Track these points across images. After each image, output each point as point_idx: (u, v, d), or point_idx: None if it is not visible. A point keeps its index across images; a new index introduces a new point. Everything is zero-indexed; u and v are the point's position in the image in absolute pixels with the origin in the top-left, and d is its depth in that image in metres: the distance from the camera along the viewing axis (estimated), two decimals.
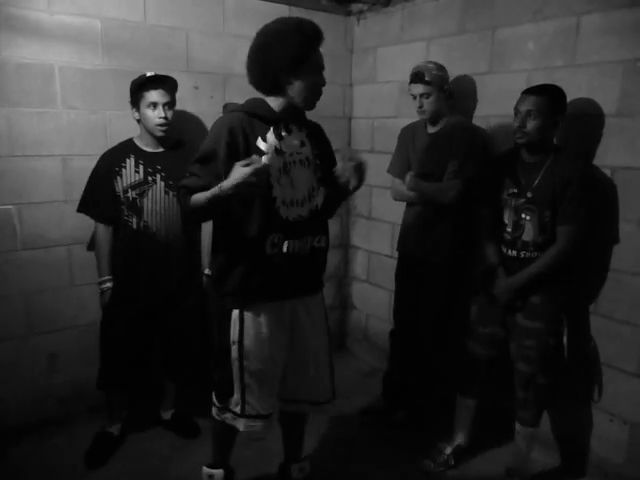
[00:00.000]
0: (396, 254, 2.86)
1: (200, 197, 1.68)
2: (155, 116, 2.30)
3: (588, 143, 2.26)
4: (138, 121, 2.37)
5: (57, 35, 2.43)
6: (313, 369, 1.99)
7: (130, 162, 2.36)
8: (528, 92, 2.09)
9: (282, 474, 2.25)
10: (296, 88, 1.75)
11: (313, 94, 1.79)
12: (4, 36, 2.32)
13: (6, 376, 2.54)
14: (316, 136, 1.93)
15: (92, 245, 2.57)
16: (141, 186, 2.36)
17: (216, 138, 1.73)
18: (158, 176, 2.38)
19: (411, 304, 2.70)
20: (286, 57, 1.70)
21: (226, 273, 1.83)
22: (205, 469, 2.14)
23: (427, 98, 2.48)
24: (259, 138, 1.76)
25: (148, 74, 2.31)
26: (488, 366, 2.35)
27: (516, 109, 2.10)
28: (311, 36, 1.74)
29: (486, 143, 2.55)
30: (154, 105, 2.30)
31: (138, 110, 2.34)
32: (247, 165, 1.57)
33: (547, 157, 2.12)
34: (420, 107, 2.50)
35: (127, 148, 2.39)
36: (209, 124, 2.86)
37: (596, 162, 2.24)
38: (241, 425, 1.90)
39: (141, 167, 2.36)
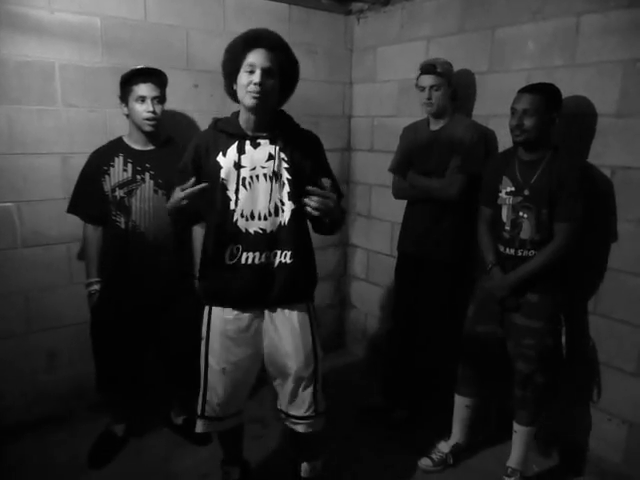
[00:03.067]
0: (395, 253, 2.86)
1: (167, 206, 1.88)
2: (143, 110, 2.24)
3: (585, 142, 2.27)
4: (127, 116, 2.31)
5: (57, 33, 2.43)
6: (289, 382, 1.93)
7: (119, 160, 2.31)
8: (524, 91, 2.11)
9: (293, 472, 2.24)
10: (238, 93, 1.79)
11: (246, 95, 1.74)
12: (4, 34, 2.32)
13: (5, 374, 2.54)
14: (297, 149, 1.86)
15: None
16: (129, 185, 2.30)
17: (187, 153, 1.91)
18: (147, 175, 2.31)
19: (410, 303, 2.71)
20: (222, 64, 1.82)
21: (201, 273, 1.96)
22: (222, 466, 2.17)
23: (437, 90, 2.47)
24: (220, 153, 1.84)
25: (137, 67, 2.26)
26: (486, 365, 2.36)
27: (513, 108, 2.12)
28: (241, 39, 1.76)
29: (487, 140, 2.56)
30: (142, 99, 2.24)
31: (127, 105, 2.28)
32: (183, 189, 1.73)
33: (544, 155, 2.13)
34: (428, 99, 2.49)
35: (116, 146, 2.34)
36: (206, 122, 2.89)
37: (596, 162, 2.25)
38: (199, 426, 1.97)
39: (129, 165, 2.30)
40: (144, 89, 2.24)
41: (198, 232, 2.43)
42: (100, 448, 2.47)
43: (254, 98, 1.73)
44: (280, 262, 1.85)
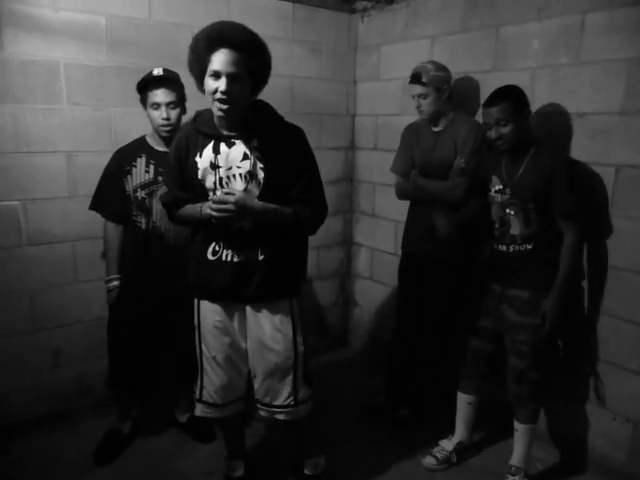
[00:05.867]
0: (399, 251, 2.86)
1: (184, 212, 1.93)
2: (158, 116, 2.24)
3: (591, 140, 2.27)
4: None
5: (62, 32, 2.44)
6: (268, 374, 1.97)
7: (141, 161, 2.31)
8: (488, 105, 2.11)
9: (295, 469, 2.25)
10: (207, 97, 1.73)
11: (213, 103, 1.70)
12: (9, 33, 2.32)
13: (11, 372, 2.55)
14: (275, 147, 1.81)
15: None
16: (151, 186, 2.30)
17: (171, 153, 1.92)
18: None
19: (414, 302, 2.71)
20: (188, 64, 1.75)
21: (188, 268, 1.99)
22: (226, 460, 2.18)
23: (425, 99, 2.49)
24: (197, 154, 1.83)
25: (155, 72, 2.25)
26: (488, 361, 2.36)
27: (485, 123, 2.15)
28: (203, 38, 1.67)
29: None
30: (157, 105, 2.24)
31: (146, 109, 2.29)
32: (221, 200, 1.72)
33: (528, 151, 2.15)
34: (418, 107, 2.52)
35: (139, 146, 2.35)
36: None
37: (600, 160, 2.25)
38: (198, 410, 2.06)
39: (152, 167, 2.31)
40: (157, 95, 2.23)
41: None
42: (106, 446, 2.48)
43: (221, 110, 1.69)
44: (258, 260, 1.86)
